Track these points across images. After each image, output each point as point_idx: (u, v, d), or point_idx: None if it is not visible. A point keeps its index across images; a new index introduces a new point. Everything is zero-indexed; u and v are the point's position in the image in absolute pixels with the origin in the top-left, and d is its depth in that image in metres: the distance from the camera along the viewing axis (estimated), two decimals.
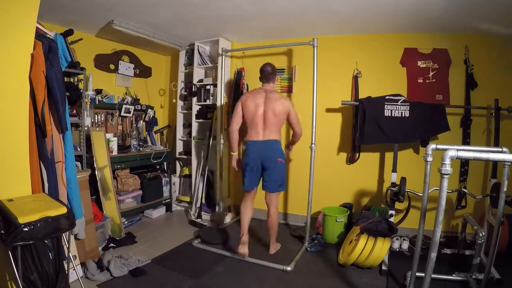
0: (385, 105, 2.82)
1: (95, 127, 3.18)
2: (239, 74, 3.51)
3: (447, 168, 1.41)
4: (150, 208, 3.63)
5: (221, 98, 3.38)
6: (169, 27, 3.24)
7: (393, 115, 2.80)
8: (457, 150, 1.43)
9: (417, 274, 1.96)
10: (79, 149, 2.88)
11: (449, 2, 2.31)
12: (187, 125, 3.98)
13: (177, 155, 3.99)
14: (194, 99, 3.71)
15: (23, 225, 1.38)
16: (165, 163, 3.88)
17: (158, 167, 3.88)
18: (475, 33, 2.88)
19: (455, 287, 2.14)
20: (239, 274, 2.35)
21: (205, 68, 3.75)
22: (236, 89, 3.48)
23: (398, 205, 2.68)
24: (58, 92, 1.90)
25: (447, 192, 1.46)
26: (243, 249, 2.50)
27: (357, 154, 3.23)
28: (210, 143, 3.60)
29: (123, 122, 3.68)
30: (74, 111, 2.85)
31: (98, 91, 3.32)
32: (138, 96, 3.89)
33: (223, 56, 3.37)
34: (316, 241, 2.83)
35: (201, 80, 3.77)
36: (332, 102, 3.28)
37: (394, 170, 2.73)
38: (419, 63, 3.06)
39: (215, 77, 3.63)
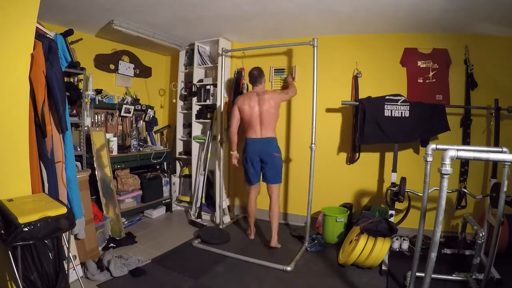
0: (385, 105, 2.81)
1: (95, 127, 3.18)
2: (239, 74, 3.51)
3: (447, 168, 1.41)
4: (150, 208, 3.63)
5: (221, 98, 3.38)
6: (169, 27, 3.24)
7: (393, 115, 2.80)
8: (457, 150, 1.43)
9: (417, 274, 1.96)
10: (79, 149, 2.88)
11: (449, 2, 2.31)
12: (187, 125, 3.98)
13: (177, 155, 3.99)
14: (194, 99, 3.71)
15: (23, 225, 1.38)
16: (165, 163, 3.88)
17: (158, 167, 3.88)
18: (475, 33, 2.88)
19: (455, 287, 2.14)
20: (239, 274, 2.35)
21: (205, 68, 3.75)
22: (236, 89, 3.48)
23: (398, 205, 2.68)
24: (58, 92, 1.90)
25: (447, 192, 1.46)
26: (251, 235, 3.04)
27: (357, 154, 3.23)
28: (210, 143, 3.60)
29: (123, 122, 3.68)
30: (74, 111, 2.85)
31: (98, 91, 3.32)
32: (138, 96, 3.89)
33: (223, 56, 3.37)
34: (316, 241, 2.83)
35: (201, 80, 3.77)
36: (332, 102, 3.28)
37: (394, 170, 2.73)
38: (419, 63, 3.06)
39: (215, 77, 3.62)
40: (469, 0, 2.25)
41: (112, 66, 3.64)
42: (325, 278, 2.31)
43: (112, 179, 3.05)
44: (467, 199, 2.93)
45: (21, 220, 1.38)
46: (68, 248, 1.83)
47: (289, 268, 2.40)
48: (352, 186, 3.30)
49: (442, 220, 1.47)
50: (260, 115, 2.77)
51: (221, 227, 3.29)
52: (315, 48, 2.81)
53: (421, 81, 3.06)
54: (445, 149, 1.46)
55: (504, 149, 1.80)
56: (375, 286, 2.20)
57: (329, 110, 3.35)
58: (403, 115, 2.79)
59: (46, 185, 1.89)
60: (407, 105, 2.79)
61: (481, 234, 2.12)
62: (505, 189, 1.76)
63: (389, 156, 3.10)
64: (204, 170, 3.61)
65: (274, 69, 3.57)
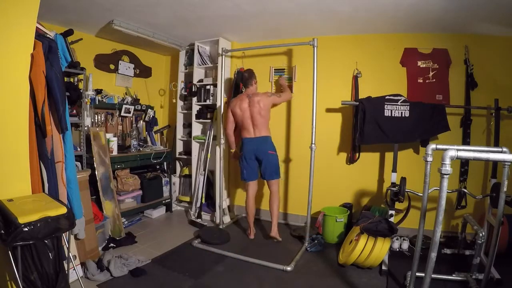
0: (385, 105, 2.81)
1: (95, 127, 3.18)
2: (239, 74, 3.51)
3: (447, 168, 1.41)
4: (150, 208, 3.63)
5: (221, 98, 3.38)
6: (169, 27, 3.24)
7: (393, 115, 2.80)
8: (457, 150, 1.43)
9: (417, 274, 1.96)
10: (79, 149, 2.88)
11: (449, 2, 2.31)
12: (187, 125, 3.98)
13: (177, 155, 3.99)
14: (194, 99, 3.71)
15: (23, 225, 1.38)
16: (165, 163, 3.88)
17: (158, 167, 3.88)
18: (475, 33, 2.88)
19: (455, 287, 2.14)
20: (239, 274, 2.35)
21: (205, 68, 3.75)
22: (236, 89, 3.48)
23: (398, 205, 2.68)
24: (58, 92, 1.90)
25: (447, 192, 1.46)
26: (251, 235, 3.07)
27: (357, 154, 3.23)
28: (210, 143, 3.60)
29: (123, 122, 3.68)
30: (74, 111, 2.85)
31: (98, 91, 3.32)
32: (138, 96, 3.89)
33: (223, 56, 3.37)
34: (316, 241, 2.83)
35: (201, 80, 3.77)
36: (332, 102, 3.28)
37: (394, 170, 2.73)
38: (419, 63, 3.06)
39: (215, 77, 3.62)
40: (469, 0, 2.25)
41: (112, 66, 3.64)
42: (325, 278, 2.31)
43: (112, 179, 3.05)
44: (467, 199, 2.93)
45: (21, 220, 1.38)
46: (68, 248, 1.83)
47: (289, 268, 2.40)
48: (352, 186, 3.30)
49: (442, 220, 1.47)
50: (251, 117, 2.90)
51: (221, 227, 3.29)
52: (315, 48, 2.81)
53: (421, 81, 3.06)
54: (445, 149, 1.46)
55: (504, 149, 1.80)
56: (375, 286, 2.20)
57: (329, 110, 3.35)
58: (403, 115, 2.79)
59: (46, 185, 1.89)
60: (407, 105, 2.79)
61: (481, 234, 2.12)
62: (505, 189, 1.76)
63: (389, 156, 3.10)
64: (204, 170, 3.61)
65: (274, 69, 3.57)
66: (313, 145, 2.82)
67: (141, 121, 3.91)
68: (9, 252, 1.42)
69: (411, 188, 2.46)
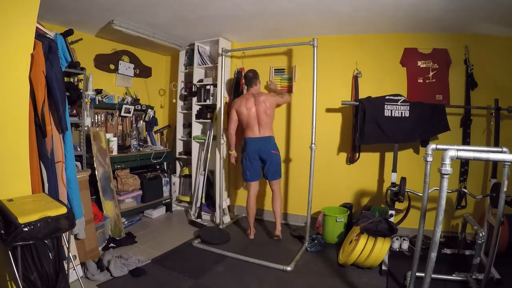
0: (385, 105, 2.81)
1: (95, 127, 3.18)
2: (239, 74, 3.51)
3: (447, 168, 1.41)
4: (150, 208, 3.63)
5: (221, 98, 3.38)
6: (169, 27, 3.24)
7: (393, 115, 2.80)
8: (457, 150, 1.43)
9: (417, 274, 1.96)
10: (79, 149, 2.88)
11: (449, 2, 2.31)
12: (187, 125, 3.98)
13: (177, 155, 3.99)
14: (194, 99, 3.71)
15: (23, 225, 1.38)
16: (165, 163, 3.88)
17: (158, 167, 3.88)
18: (475, 33, 2.88)
19: (455, 287, 2.14)
20: (239, 274, 2.35)
21: (205, 68, 3.75)
22: (236, 89, 3.48)
23: (398, 205, 2.68)
24: (58, 92, 1.90)
25: (447, 192, 1.46)
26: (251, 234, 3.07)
27: (357, 154, 3.23)
28: (210, 143, 3.60)
29: (123, 122, 3.68)
30: (74, 111, 2.85)
31: (98, 91, 3.32)
32: (138, 96, 3.89)
33: (223, 56, 3.37)
34: (316, 241, 2.83)
35: (201, 80, 3.77)
36: (332, 102, 3.28)
37: (394, 170, 2.73)
38: (419, 63, 3.06)
39: (215, 77, 3.62)
40: (469, 0, 2.25)
41: (112, 66, 3.64)
42: (325, 278, 2.31)
43: (112, 179, 3.05)
44: (467, 199, 2.93)
45: (21, 220, 1.38)
46: (68, 248, 1.83)
47: (289, 268, 2.40)
48: (352, 186, 3.30)
49: (442, 220, 1.47)
50: (257, 116, 2.92)
51: (221, 227, 3.29)
52: (315, 48, 2.81)
53: (421, 81, 3.06)
54: (445, 149, 1.46)
55: (504, 149, 1.80)
56: (375, 286, 2.20)
57: (329, 110, 3.35)
58: (403, 115, 2.79)
59: (46, 185, 1.89)
60: (407, 105, 2.79)
61: (481, 234, 2.12)
62: (505, 189, 1.76)
63: (389, 156, 3.10)
64: (204, 170, 3.61)
65: (274, 69, 3.57)
66: (313, 145, 2.82)
67: (141, 121, 3.91)
68: (9, 252, 1.42)
69: (411, 188, 2.46)
